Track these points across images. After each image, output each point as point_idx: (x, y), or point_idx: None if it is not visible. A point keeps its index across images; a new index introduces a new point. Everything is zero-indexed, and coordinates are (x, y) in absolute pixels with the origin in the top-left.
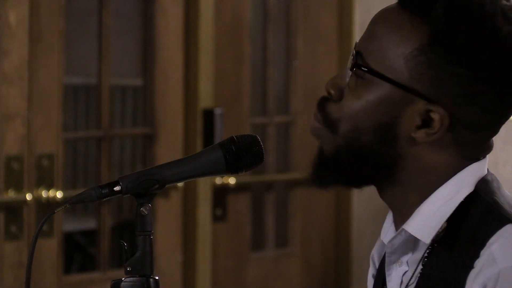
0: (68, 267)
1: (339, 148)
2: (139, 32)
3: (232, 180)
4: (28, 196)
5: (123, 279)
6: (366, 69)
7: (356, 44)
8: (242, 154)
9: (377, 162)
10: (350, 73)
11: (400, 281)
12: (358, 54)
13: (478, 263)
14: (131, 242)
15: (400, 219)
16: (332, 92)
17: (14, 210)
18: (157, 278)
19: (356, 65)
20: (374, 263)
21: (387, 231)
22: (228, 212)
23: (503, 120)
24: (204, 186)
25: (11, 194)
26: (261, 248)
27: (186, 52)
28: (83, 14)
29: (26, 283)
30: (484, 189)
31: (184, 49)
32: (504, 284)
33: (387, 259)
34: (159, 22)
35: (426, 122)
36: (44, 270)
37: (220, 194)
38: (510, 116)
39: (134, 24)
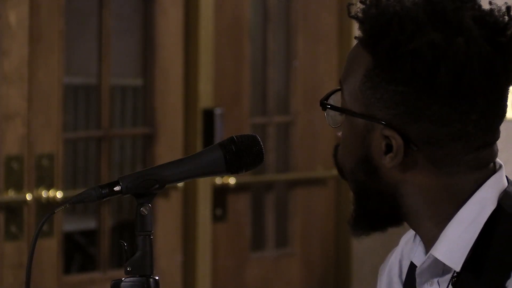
0: (68, 267)
1: (353, 191)
2: (139, 32)
3: (232, 180)
4: (28, 196)
5: (123, 279)
6: (328, 105)
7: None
8: (242, 154)
9: (378, 196)
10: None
11: None
12: (334, 92)
13: (510, 284)
14: (131, 242)
15: (426, 241)
16: (339, 135)
17: (14, 210)
18: (157, 278)
19: (321, 104)
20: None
21: (415, 249)
22: (228, 212)
23: (469, 128)
24: (204, 186)
25: (11, 194)
26: (261, 248)
27: (186, 52)
28: (83, 14)
29: (26, 283)
30: (508, 203)
31: (184, 49)
32: None
33: (418, 279)
34: (159, 22)
35: (389, 147)
36: (44, 270)
37: (220, 194)
38: (471, 125)
39: (134, 24)
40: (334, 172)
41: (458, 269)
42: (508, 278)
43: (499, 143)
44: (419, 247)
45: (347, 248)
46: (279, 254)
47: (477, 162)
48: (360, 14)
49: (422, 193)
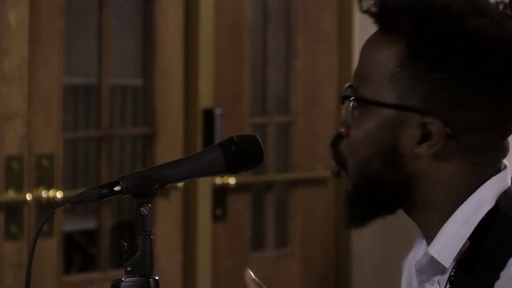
0: (68, 267)
1: (356, 183)
2: (139, 32)
3: (232, 180)
4: (28, 196)
5: (123, 279)
6: (354, 98)
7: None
8: (242, 154)
9: (391, 188)
10: (349, 106)
11: None
12: (350, 85)
13: (497, 285)
14: (131, 242)
15: (428, 238)
16: (342, 130)
17: (14, 210)
18: (157, 278)
19: (345, 97)
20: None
21: (419, 248)
22: (228, 212)
23: (504, 115)
24: (204, 186)
25: (11, 194)
26: (261, 248)
27: (186, 52)
28: (83, 14)
29: (26, 283)
30: (505, 203)
31: (184, 49)
32: None
33: (418, 278)
34: (159, 22)
35: (426, 135)
36: (44, 270)
37: (220, 194)
38: (507, 111)
39: (134, 24)
40: None
41: (447, 265)
42: (497, 279)
43: None
44: (422, 245)
45: (347, 248)
46: (279, 254)
47: (499, 154)
48: (388, 3)
49: (441, 184)
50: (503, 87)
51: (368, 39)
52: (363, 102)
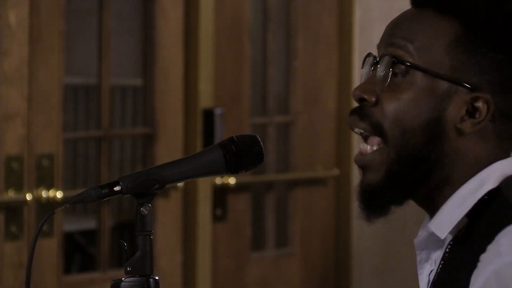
0: (68, 267)
1: (391, 165)
2: (139, 32)
3: (232, 180)
4: (28, 196)
5: (123, 279)
6: (409, 65)
7: (370, 55)
8: (242, 154)
9: (428, 165)
10: (385, 75)
11: (427, 279)
12: (391, 55)
13: (483, 258)
14: (131, 242)
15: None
16: (366, 97)
17: (14, 210)
18: (157, 278)
19: (397, 62)
20: None
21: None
22: (228, 212)
23: None
24: (204, 186)
25: (11, 194)
26: (261, 248)
27: (186, 52)
28: (83, 14)
29: (26, 283)
30: (507, 185)
31: (184, 49)
32: (506, 278)
33: (418, 258)
34: (159, 22)
35: (471, 112)
36: (44, 270)
37: (220, 194)
38: None
39: (134, 25)
40: (334, 172)
41: (442, 237)
42: (484, 252)
43: None
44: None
45: (347, 248)
46: (279, 254)
47: None
48: None
49: (471, 163)
50: None
51: (402, 15)
52: (419, 69)
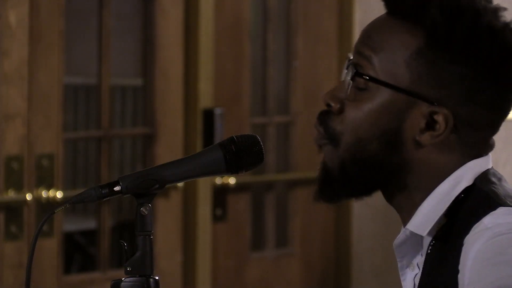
0: (68, 267)
1: (344, 161)
2: (139, 32)
3: (232, 180)
4: (28, 196)
5: (123, 279)
6: (368, 78)
7: (348, 57)
8: (242, 154)
9: (383, 170)
10: (349, 84)
11: (412, 283)
12: (357, 64)
13: (470, 236)
14: (131, 242)
15: (406, 220)
16: (333, 104)
17: (14, 210)
18: (157, 278)
19: (357, 74)
20: None
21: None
22: (228, 212)
23: (504, 116)
24: (204, 186)
25: (11, 194)
26: (261, 248)
27: (186, 52)
28: (83, 14)
29: (26, 283)
30: (482, 181)
31: (184, 49)
32: (500, 245)
33: (399, 264)
34: (159, 22)
35: (430, 125)
36: (44, 270)
37: (220, 194)
38: (509, 113)
39: (134, 24)
40: None
41: (424, 234)
42: (467, 233)
43: (499, 144)
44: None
45: (347, 248)
46: (279, 254)
47: (490, 148)
48: None
49: (432, 171)
50: (509, 91)
51: (372, 24)
52: (376, 82)
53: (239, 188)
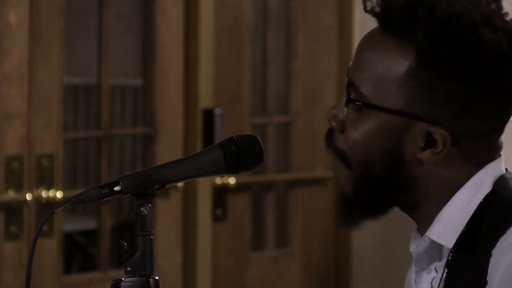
0: (68, 267)
1: (357, 183)
2: (139, 32)
3: (232, 180)
4: (28, 196)
5: (123, 279)
6: (360, 103)
7: (347, 73)
8: (242, 154)
9: (392, 188)
10: (344, 105)
11: (430, 286)
12: (350, 85)
13: (497, 250)
14: (131, 242)
15: (423, 228)
16: (334, 124)
17: (14, 210)
18: (157, 278)
19: (349, 100)
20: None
21: (413, 241)
22: (228, 212)
23: (505, 122)
24: (204, 186)
25: (11, 194)
26: (261, 248)
27: (186, 52)
28: (83, 14)
29: (26, 283)
30: (502, 186)
31: (184, 49)
32: None
33: (416, 268)
34: (159, 22)
35: (430, 142)
36: (44, 270)
37: (220, 194)
38: (510, 117)
39: (134, 25)
40: None
41: (450, 246)
42: (494, 246)
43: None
44: (417, 238)
45: (347, 248)
46: (279, 254)
47: (497, 150)
48: (397, 7)
49: (441, 183)
50: (508, 100)
51: (365, 40)
52: (368, 107)
53: (239, 188)
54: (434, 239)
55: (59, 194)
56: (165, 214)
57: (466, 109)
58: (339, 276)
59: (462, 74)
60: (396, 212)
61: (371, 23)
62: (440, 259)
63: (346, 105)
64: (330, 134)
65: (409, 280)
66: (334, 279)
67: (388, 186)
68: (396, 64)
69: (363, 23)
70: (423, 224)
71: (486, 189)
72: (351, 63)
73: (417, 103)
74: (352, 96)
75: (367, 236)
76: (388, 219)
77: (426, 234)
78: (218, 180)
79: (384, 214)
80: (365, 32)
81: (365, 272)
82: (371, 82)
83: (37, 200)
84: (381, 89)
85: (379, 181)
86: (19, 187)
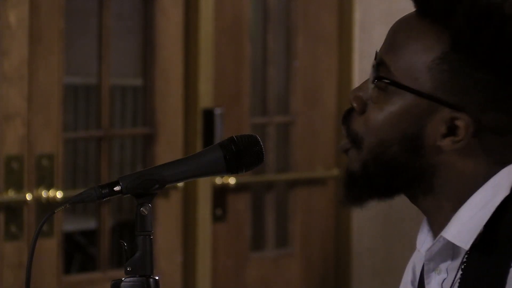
0: (68, 267)
1: (366, 163)
2: (139, 32)
3: (232, 180)
4: (28, 196)
5: (123, 279)
6: (388, 81)
7: (376, 54)
8: (242, 154)
9: (406, 173)
10: (372, 85)
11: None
12: (380, 65)
13: None
14: (131, 242)
15: (437, 227)
16: (355, 105)
17: (14, 210)
18: (157, 278)
19: (378, 77)
20: (414, 273)
21: (424, 240)
22: (228, 212)
23: None
24: (204, 186)
25: (11, 194)
26: (261, 248)
27: (186, 52)
28: (83, 14)
29: (26, 283)
30: None
31: (184, 49)
32: None
33: (426, 267)
34: (159, 22)
35: (452, 130)
36: (44, 270)
37: (220, 194)
38: None
39: (134, 25)
40: (334, 172)
41: (467, 247)
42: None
43: None
44: (428, 237)
45: (347, 248)
46: (279, 254)
47: None
48: None
49: (457, 176)
50: None
51: (400, 23)
52: (397, 86)
53: (239, 188)
54: (450, 239)
55: (59, 194)
56: (165, 214)
57: (495, 101)
58: (339, 276)
59: (496, 64)
60: (396, 212)
61: (371, 23)
62: (452, 260)
63: (373, 82)
64: (348, 113)
65: (405, 283)
66: (334, 279)
67: (403, 170)
68: (430, 47)
69: (363, 23)
70: (436, 221)
71: (504, 192)
72: (382, 45)
73: (446, 88)
74: (382, 74)
75: (367, 236)
76: (388, 219)
77: (441, 234)
78: (218, 180)
79: (390, 198)
80: (365, 32)
81: (365, 272)
82: (403, 63)
83: (37, 200)
84: (412, 70)
85: (394, 163)
86: (19, 187)
